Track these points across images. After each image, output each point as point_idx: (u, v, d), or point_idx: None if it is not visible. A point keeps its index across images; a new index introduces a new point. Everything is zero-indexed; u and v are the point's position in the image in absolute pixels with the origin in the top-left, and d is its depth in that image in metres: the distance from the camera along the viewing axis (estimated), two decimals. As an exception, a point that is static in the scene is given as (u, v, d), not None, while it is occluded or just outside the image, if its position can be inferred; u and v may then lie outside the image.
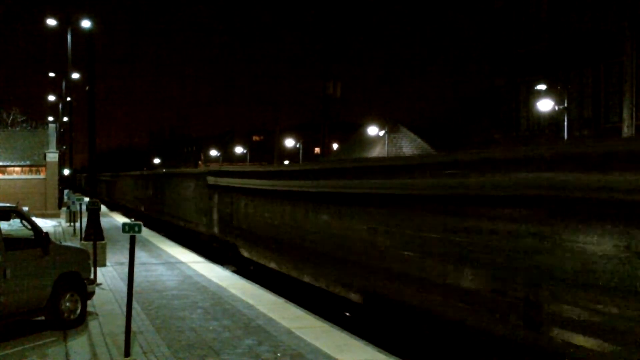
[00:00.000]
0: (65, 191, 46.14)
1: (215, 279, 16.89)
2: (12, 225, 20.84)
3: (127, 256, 9.46)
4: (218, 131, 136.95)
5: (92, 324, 11.70)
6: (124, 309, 10.06)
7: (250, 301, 13.84)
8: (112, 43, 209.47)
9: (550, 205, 7.88)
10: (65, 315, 11.40)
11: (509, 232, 8.53)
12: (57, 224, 35.70)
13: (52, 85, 61.87)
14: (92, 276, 12.96)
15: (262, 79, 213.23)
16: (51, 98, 62.94)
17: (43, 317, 11.36)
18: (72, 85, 43.38)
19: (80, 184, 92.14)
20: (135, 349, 9.87)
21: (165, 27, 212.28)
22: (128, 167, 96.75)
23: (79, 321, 11.59)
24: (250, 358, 9.56)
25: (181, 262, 20.39)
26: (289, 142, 74.52)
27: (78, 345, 10.38)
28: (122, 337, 9.75)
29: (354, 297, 13.05)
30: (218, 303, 13.68)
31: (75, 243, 19.85)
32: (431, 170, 10.42)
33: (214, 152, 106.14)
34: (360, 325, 12.78)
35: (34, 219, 13.55)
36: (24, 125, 70.30)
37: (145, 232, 28.39)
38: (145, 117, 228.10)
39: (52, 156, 45.30)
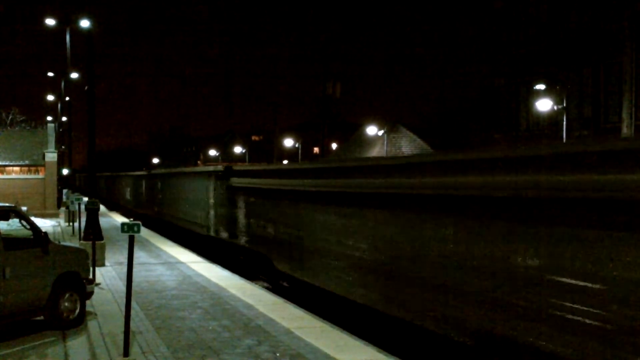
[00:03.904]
0: (64, 191, 46.12)
1: (214, 279, 16.87)
2: (11, 225, 20.83)
3: (126, 256, 9.45)
4: (217, 131, 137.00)
5: (91, 324, 11.68)
6: (123, 309, 10.04)
7: (250, 301, 13.83)
8: (112, 43, 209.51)
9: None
10: (65, 315, 11.38)
11: None
12: (56, 224, 35.67)
13: (52, 85, 61.75)
14: (91, 276, 12.95)
15: (262, 79, 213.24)
16: (50, 98, 62.93)
17: (42, 317, 11.34)
18: (72, 85, 43.38)
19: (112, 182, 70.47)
20: (135, 349, 9.85)
21: (165, 27, 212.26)
22: (128, 167, 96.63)
23: (78, 321, 11.57)
24: (250, 358, 9.54)
25: (180, 262, 20.37)
26: (288, 142, 74.47)
27: (77, 345, 10.36)
28: (121, 337, 9.74)
29: None
30: (217, 303, 13.66)
31: (74, 243, 19.84)
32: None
33: (213, 152, 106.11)
34: (360, 325, 12.75)
35: (33, 218, 13.54)
36: (23, 125, 70.31)
37: (145, 232, 28.37)
38: (145, 117, 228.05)
39: (51, 156, 45.25)
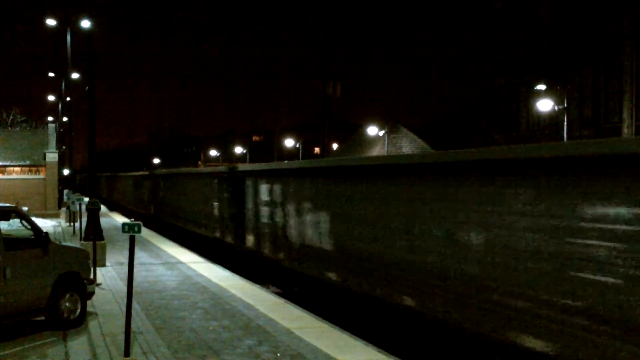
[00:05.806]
0: (65, 191, 46.13)
1: (215, 279, 16.88)
2: (11, 225, 20.87)
3: (127, 256, 9.46)
4: (218, 131, 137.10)
5: (92, 324, 11.69)
6: (124, 309, 10.05)
7: (250, 301, 13.83)
8: (112, 43, 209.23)
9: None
10: (65, 315, 11.38)
11: None
12: (56, 224, 35.69)
13: (52, 85, 61.81)
14: (91, 276, 12.95)
15: (262, 79, 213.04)
16: (51, 98, 62.97)
17: (43, 317, 11.35)
18: (72, 85, 43.41)
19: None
20: (135, 349, 9.86)
21: (165, 27, 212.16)
22: (128, 167, 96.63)
23: (79, 321, 11.57)
24: (250, 358, 9.55)
25: (181, 262, 20.38)
26: (289, 142, 74.46)
27: (78, 345, 10.37)
28: (121, 337, 9.74)
29: None
30: (218, 303, 13.67)
31: (75, 243, 19.86)
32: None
33: (213, 152, 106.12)
34: (360, 325, 12.77)
35: (33, 219, 13.55)
36: (24, 125, 70.38)
37: (145, 232, 28.36)
38: (145, 117, 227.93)
39: (52, 156, 45.28)
